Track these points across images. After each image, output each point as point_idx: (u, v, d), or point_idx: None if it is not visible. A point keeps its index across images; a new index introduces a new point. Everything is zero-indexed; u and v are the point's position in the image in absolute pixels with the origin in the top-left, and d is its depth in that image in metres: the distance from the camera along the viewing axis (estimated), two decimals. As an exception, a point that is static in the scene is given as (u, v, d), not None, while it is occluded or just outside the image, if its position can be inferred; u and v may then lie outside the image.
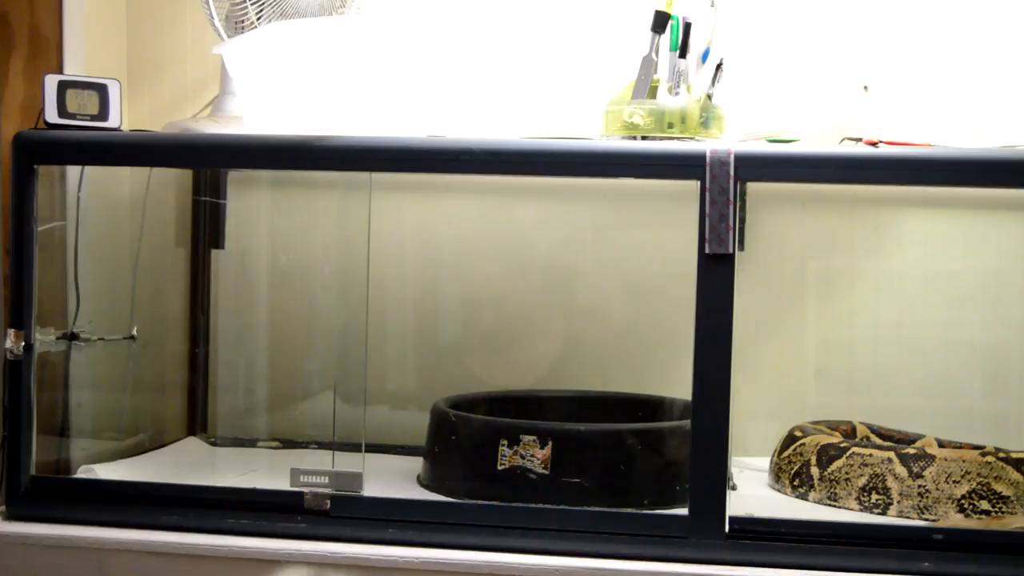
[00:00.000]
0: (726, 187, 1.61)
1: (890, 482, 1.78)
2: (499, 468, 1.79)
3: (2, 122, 2.01)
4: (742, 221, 1.71)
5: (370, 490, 1.76)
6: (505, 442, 1.80)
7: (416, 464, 1.98)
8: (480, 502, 1.75)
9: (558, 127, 1.89)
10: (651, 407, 2.05)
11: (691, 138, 1.74)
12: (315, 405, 2.16)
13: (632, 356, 2.16)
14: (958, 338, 2.13)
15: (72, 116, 1.83)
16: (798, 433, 1.93)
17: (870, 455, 1.80)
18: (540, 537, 1.66)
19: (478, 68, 2.11)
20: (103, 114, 1.86)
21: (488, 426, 1.87)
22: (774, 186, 1.75)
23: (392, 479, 1.94)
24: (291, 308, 2.29)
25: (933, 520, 1.74)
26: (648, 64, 1.79)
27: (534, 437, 1.79)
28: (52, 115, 1.82)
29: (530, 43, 2.16)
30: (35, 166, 1.79)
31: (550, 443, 1.78)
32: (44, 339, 1.86)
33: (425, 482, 1.91)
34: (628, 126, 1.75)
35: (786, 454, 1.91)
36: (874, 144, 1.73)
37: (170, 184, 2.29)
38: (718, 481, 1.62)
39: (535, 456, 1.78)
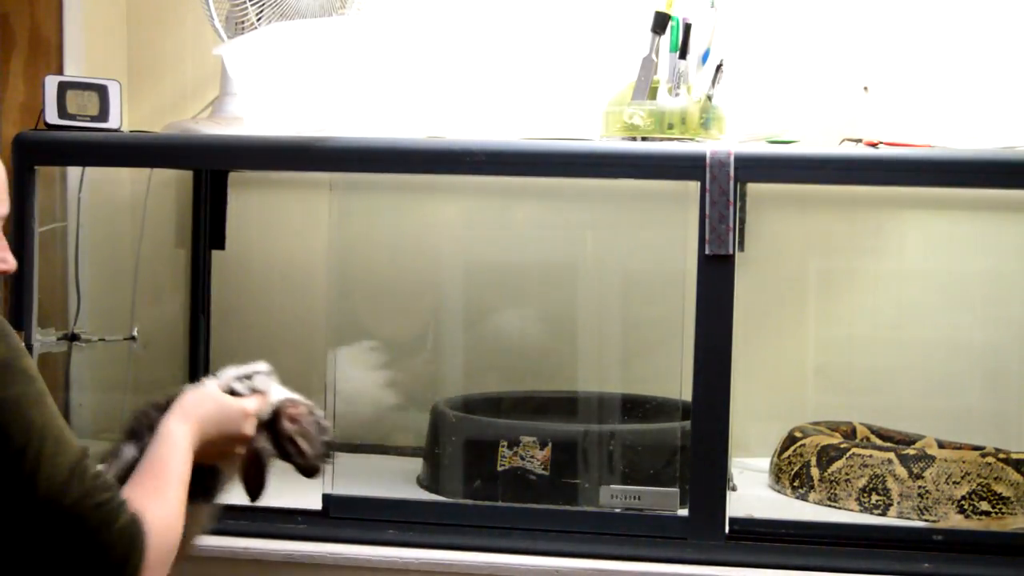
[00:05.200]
0: (726, 188, 1.61)
1: (890, 483, 1.78)
2: (499, 469, 1.79)
3: (2, 123, 2.02)
4: (742, 222, 1.72)
5: (370, 490, 1.76)
6: (505, 443, 1.80)
7: (416, 465, 1.98)
8: (480, 503, 1.76)
9: (558, 128, 1.89)
10: (651, 407, 2.05)
11: (691, 139, 1.74)
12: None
13: (632, 356, 2.16)
14: (958, 338, 2.13)
15: (72, 117, 1.83)
16: (798, 434, 1.93)
17: (870, 456, 1.81)
18: (540, 537, 1.66)
19: (478, 69, 2.11)
20: (103, 115, 1.86)
21: (488, 427, 1.87)
22: (774, 187, 1.75)
23: (392, 480, 1.94)
24: (291, 308, 2.29)
25: (933, 521, 1.74)
26: (648, 65, 1.79)
27: (534, 438, 1.79)
28: (52, 116, 1.82)
29: (530, 44, 2.16)
30: (35, 167, 1.79)
31: (550, 444, 1.79)
32: (45, 339, 1.86)
33: (425, 483, 1.91)
34: (628, 127, 1.75)
35: (786, 455, 1.91)
36: (874, 145, 1.73)
37: (170, 185, 2.29)
38: (718, 481, 1.62)
39: (535, 457, 1.78)
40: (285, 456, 1.41)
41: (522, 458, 1.79)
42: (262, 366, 1.47)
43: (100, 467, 1.18)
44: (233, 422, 1.36)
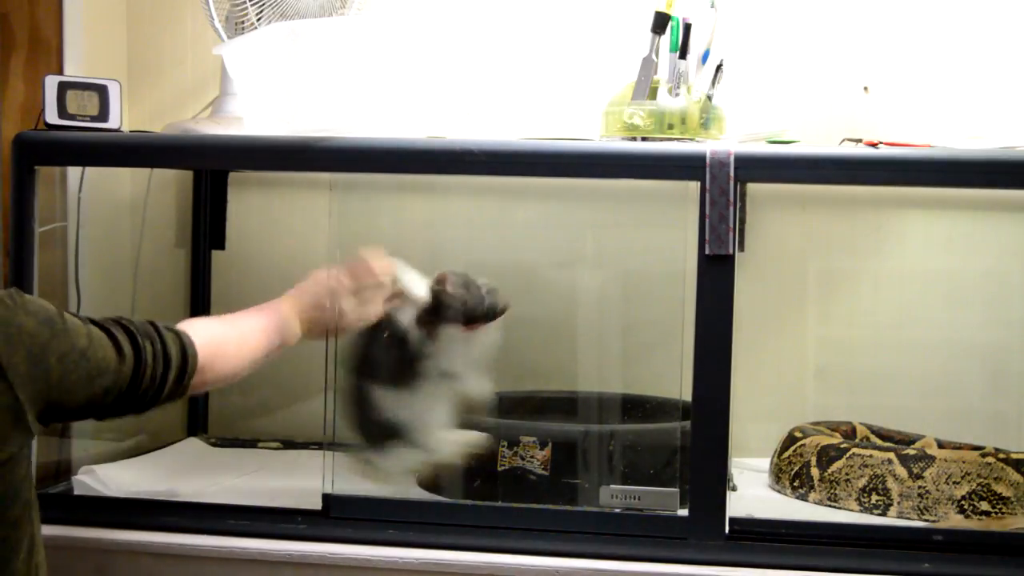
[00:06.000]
0: (726, 188, 1.61)
1: (890, 483, 1.78)
2: (499, 469, 1.79)
3: (2, 123, 2.02)
4: (742, 222, 1.71)
5: (370, 490, 1.76)
6: (505, 443, 1.80)
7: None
8: (480, 502, 1.76)
9: (558, 128, 1.89)
10: (651, 407, 2.05)
11: (691, 139, 1.74)
12: (316, 405, 2.16)
13: (632, 356, 2.16)
14: (958, 338, 2.13)
15: (72, 117, 1.83)
16: (798, 434, 1.93)
17: (870, 456, 1.81)
18: (540, 537, 1.66)
19: (478, 69, 2.11)
20: (103, 115, 1.86)
21: (488, 427, 1.87)
22: (774, 187, 1.75)
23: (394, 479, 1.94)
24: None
25: (933, 521, 1.74)
26: (648, 65, 1.79)
27: (533, 438, 1.79)
28: (52, 116, 1.82)
29: (530, 44, 2.16)
30: (35, 167, 1.79)
31: (550, 444, 1.78)
32: (44, 340, 1.86)
33: (423, 482, 1.91)
34: (628, 127, 1.75)
35: (786, 455, 1.91)
36: (874, 145, 1.73)
37: (170, 184, 2.29)
38: (718, 481, 1.62)
39: (535, 457, 1.78)
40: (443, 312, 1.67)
41: (522, 458, 1.79)
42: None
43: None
44: (320, 293, 1.63)
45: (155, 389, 1.40)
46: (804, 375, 2.18)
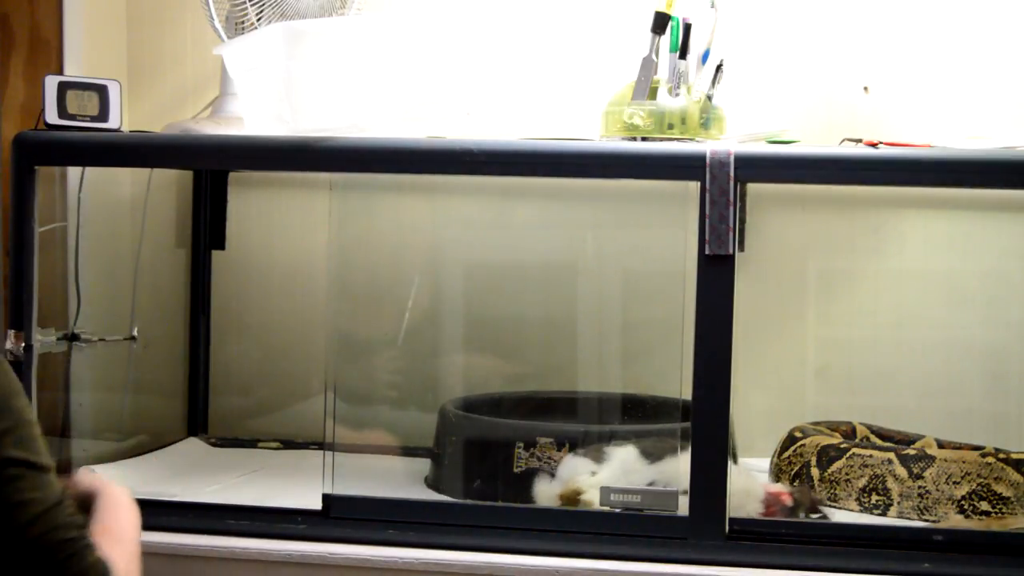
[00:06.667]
0: (726, 188, 1.61)
1: (890, 483, 1.78)
2: (516, 471, 1.80)
3: (2, 123, 2.02)
4: (742, 222, 1.71)
5: (371, 490, 1.76)
6: (521, 445, 1.80)
7: (418, 465, 1.98)
8: (480, 502, 1.76)
9: (558, 128, 1.89)
10: (651, 407, 2.05)
11: (691, 139, 1.74)
12: (316, 405, 2.16)
13: (632, 356, 2.16)
14: (958, 338, 2.13)
15: (72, 117, 1.83)
16: (798, 434, 1.93)
17: (870, 456, 1.81)
18: (540, 537, 1.66)
19: (478, 69, 2.11)
20: (103, 115, 1.86)
21: (500, 428, 1.87)
22: (774, 187, 1.75)
23: (399, 480, 1.94)
24: (291, 308, 2.29)
25: (933, 521, 1.74)
26: (648, 65, 1.79)
27: (551, 439, 1.80)
28: (52, 116, 1.82)
29: (530, 44, 2.16)
30: (35, 167, 1.79)
31: (567, 445, 1.79)
32: (45, 340, 1.86)
33: (432, 483, 1.91)
34: (628, 127, 1.75)
35: (786, 455, 1.91)
36: (874, 145, 1.73)
37: (170, 185, 2.29)
38: (718, 481, 1.62)
39: (552, 458, 1.79)
40: None
41: (539, 459, 1.79)
42: None
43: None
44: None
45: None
46: (804, 375, 2.18)
